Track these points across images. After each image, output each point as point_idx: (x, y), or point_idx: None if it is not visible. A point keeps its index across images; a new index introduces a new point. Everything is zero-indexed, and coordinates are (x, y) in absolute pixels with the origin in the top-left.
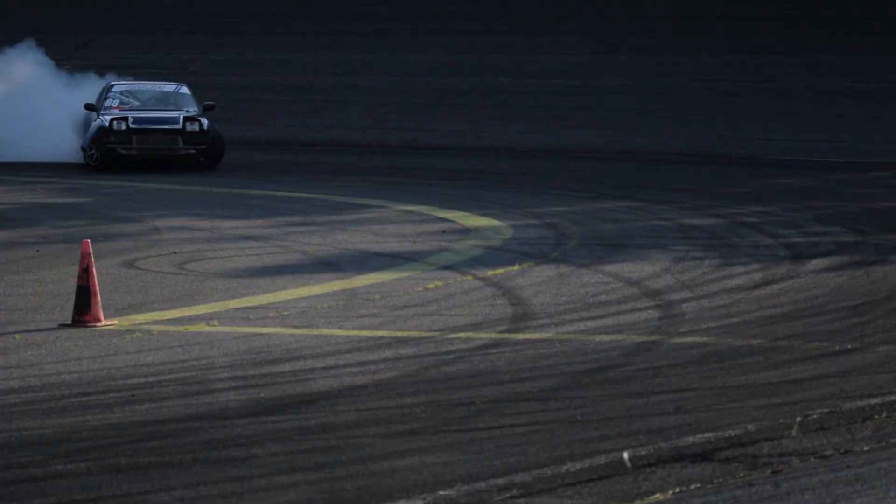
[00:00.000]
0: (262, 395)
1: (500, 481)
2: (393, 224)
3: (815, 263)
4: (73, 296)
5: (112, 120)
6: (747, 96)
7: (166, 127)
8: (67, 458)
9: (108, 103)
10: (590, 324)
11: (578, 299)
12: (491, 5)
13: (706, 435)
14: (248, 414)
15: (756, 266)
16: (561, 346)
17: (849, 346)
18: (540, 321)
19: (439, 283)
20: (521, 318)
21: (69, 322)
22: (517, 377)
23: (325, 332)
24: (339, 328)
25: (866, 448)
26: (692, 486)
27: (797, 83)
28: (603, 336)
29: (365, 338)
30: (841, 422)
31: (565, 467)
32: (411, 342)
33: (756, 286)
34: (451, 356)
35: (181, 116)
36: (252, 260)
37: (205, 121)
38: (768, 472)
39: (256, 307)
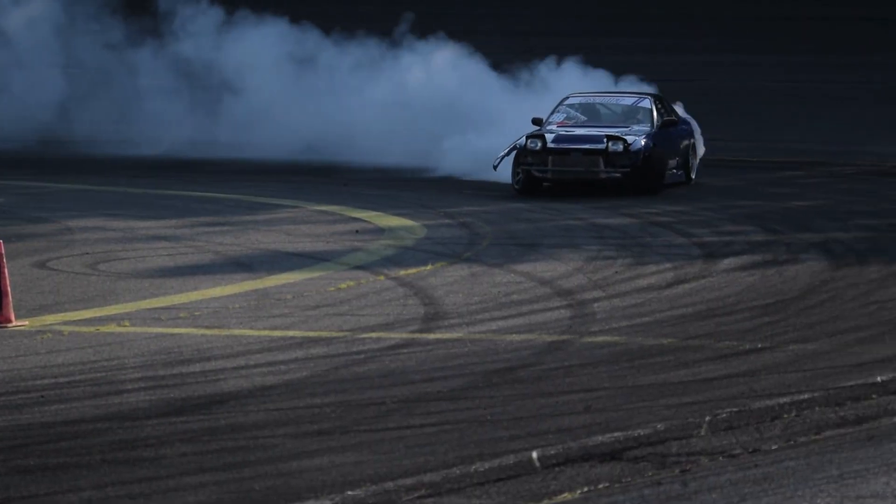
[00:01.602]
0: (172, 395)
1: (409, 481)
2: (306, 224)
3: (727, 263)
4: None
5: (528, 138)
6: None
7: (587, 147)
8: None
9: (553, 118)
10: (501, 323)
11: (490, 299)
12: None
13: (615, 434)
14: (158, 414)
15: (668, 265)
16: (472, 345)
17: (759, 346)
18: (451, 321)
19: (351, 283)
20: (433, 318)
21: None
22: (428, 377)
23: (237, 332)
24: (251, 328)
25: (774, 447)
26: (601, 486)
27: (715, 83)
28: (514, 336)
29: (276, 338)
30: (750, 421)
31: (474, 467)
32: (322, 342)
33: (668, 285)
34: (362, 356)
35: (605, 135)
36: (164, 260)
37: (637, 140)
38: (677, 471)
39: (168, 307)
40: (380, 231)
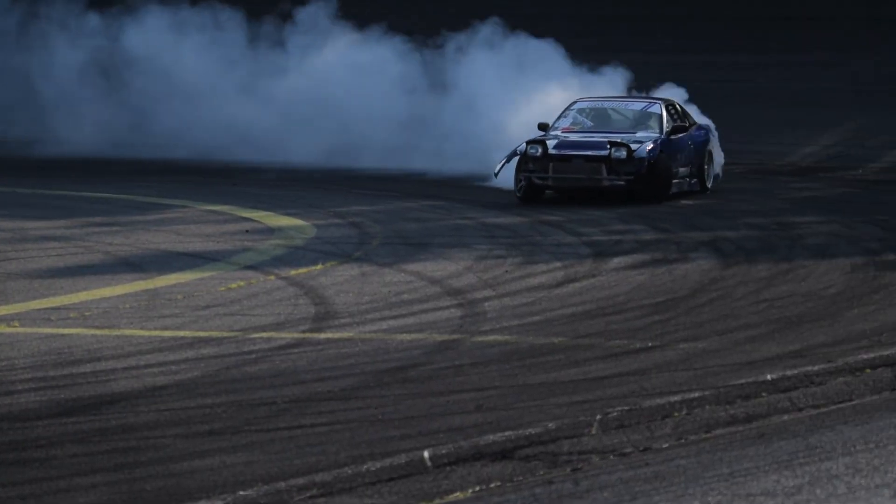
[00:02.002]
0: (63, 396)
1: (301, 481)
2: (196, 224)
3: (617, 261)
4: None
5: (528, 144)
6: None
7: (589, 153)
8: None
9: (559, 123)
10: (392, 323)
11: (381, 298)
12: None
13: (507, 433)
14: (48, 415)
15: (558, 264)
16: (363, 345)
17: (649, 344)
18: (342, 320)
19: (242, 283)
20: (324, 318)
21: None
22: (319, 377)
23: (127, 332)
24: (141, 328)
25: (665, 445)
26: (492, 485)
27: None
28: (405, 335)
29: (167, 338)
30: (640, 419)
31: (365, 466)
32: (213, 342)
33: (558, 284)
34: (253, 356)
35: (608, 141)
36: (54, 260)
37: (642, 146)
38: (568, 469)
39: (58, 308)
40: (270, 231)
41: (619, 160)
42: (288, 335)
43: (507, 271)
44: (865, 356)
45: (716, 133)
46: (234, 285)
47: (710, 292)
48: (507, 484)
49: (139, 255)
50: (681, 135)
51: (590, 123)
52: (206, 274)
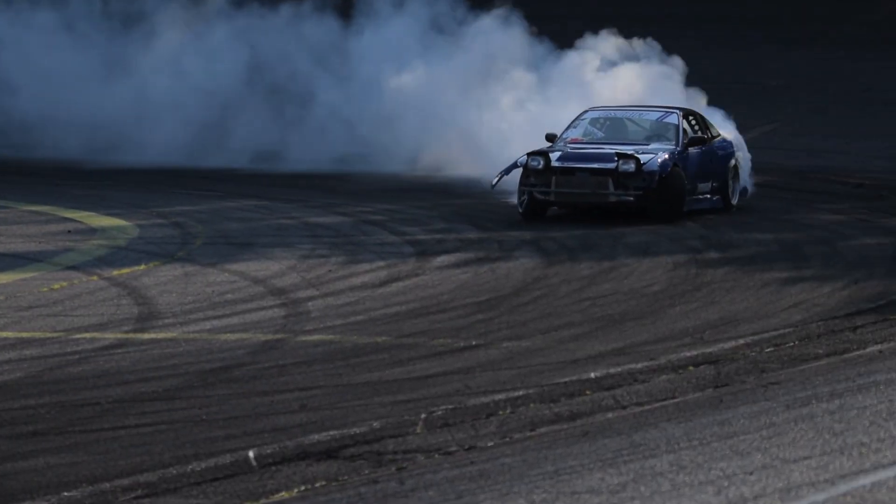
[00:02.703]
0: None
1: (125, 481)
2: (17, 224)
3: (440, 260)
4: None
5: (530, 156)
6: None
7: (594, 166)
8: None
9: (567, 133)
10: (216, 323)
11: (204, 298)
12: None
13: (331, 433)
14: None
15: (381, 263)
16: (186, 345)
17: (473, 343)
18: (166, 321)
19: (64, 284)
20: (147, 318)
21: None
22: (142, 377)
23: None
24: None
25: (490, 444)
26: (318, 484)
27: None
28: (228, 335)
29: None
30: (465, 418)
31: (190, 466)
32: (36, 343)
33: (381, 284)
34: (77, 357)
35: (616, 153)
36: None
37: (653, 159)
38: (393, 468)
39: None
40: (92, 231)
41: (627, 173)
42: (111, 336)
43: (330, 271)
44: (688, 354)
45: (744, 146)
46: (56, 286)
47: (533, 291)
48: (333, 483)
49: None
50: (700, 147)
51: (601, 134)
52: (28, 275)
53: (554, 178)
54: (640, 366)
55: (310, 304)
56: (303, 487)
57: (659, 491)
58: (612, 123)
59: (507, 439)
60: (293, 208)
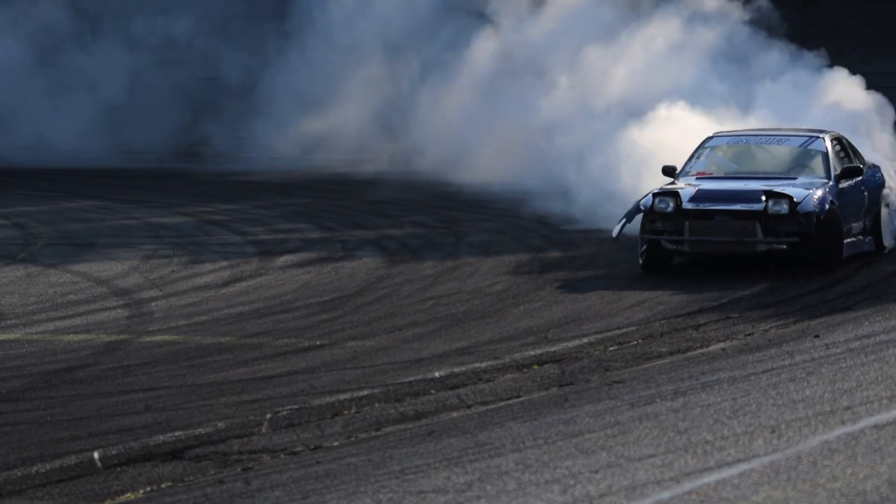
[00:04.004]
0: None
1: None
2: None
3: (283, 260)
4: None
5: (655, 196)
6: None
7: (738, 207)
8: None
9: (690, 166)
10: (59, 324)
11: (47, 299)
12: None
13: (176, 433)
14: None
15: (225, 263)
16: (29, 346)
17: (317, 343)
18: (8, 322)
19: None
20: None
21: None
22: None
23: None
24: None
25: (336, 444)
26: (163, 485)
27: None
28: (72, 336)
29: None
30: (310, 418)
31: (35, 468)
32: None
33: (225, 284)
34: None
35: (763, 190)
36: None
37: (809, 197)
38: (239, 469)
39: None
40: None
41: (778, 216)
42: None
43: (173, 271)
44: (532, 353)
45: (893, 173)
46: None
47: (376, 290)
48: (179, 484)
49: None
50: (854, 179)
51: (734, 166)
52: None
53: (687, 223)
54: (484, 365)
55: (153, 304)
56: (148, 488)
57: (505, 490)
58: (743, 152)
59: (353, 439)
60: (134, 209)
